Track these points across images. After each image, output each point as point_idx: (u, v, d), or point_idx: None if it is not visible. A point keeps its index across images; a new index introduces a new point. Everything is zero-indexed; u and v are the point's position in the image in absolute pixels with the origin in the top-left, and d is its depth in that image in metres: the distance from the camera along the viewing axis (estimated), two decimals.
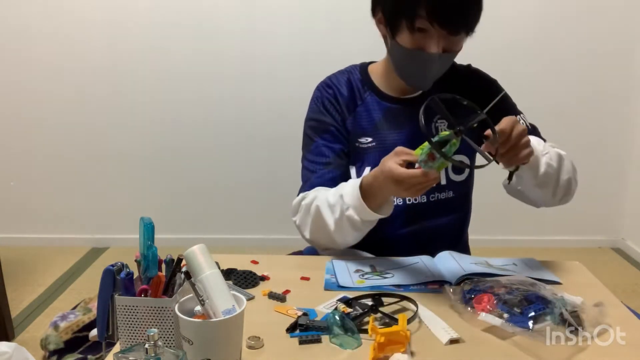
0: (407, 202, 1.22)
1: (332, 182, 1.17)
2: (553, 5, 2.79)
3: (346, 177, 1.20)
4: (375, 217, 1.08)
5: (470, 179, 1.29)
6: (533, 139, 1.08)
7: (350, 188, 1.09)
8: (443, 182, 1.23)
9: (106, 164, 3.00)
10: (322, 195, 1.13)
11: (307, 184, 1.20)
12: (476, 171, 1.14)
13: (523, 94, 2.66)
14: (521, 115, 1.25)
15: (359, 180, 1.08)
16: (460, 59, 1.25)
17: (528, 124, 1.23)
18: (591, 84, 2.88)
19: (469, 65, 1.29)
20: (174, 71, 2.87)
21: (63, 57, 2.86)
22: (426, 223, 1.24)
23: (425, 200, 1.22)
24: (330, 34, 2.73)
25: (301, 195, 1.19)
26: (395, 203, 1.21)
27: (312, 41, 2.79)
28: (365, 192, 1.07)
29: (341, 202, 1.09)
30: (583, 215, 2.99)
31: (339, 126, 1.23)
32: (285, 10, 2.79)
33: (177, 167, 3.00)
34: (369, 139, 1.21)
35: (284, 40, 2.82)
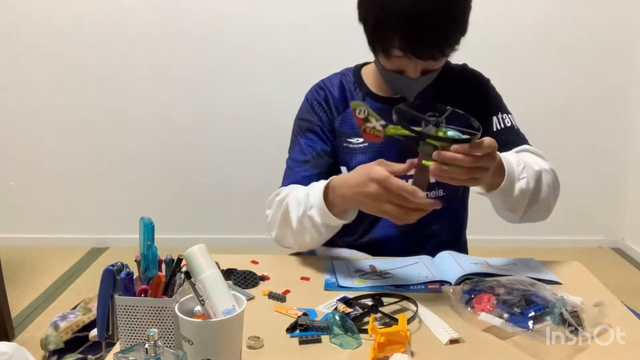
0: None
1: (306, 180, 1.15)
2: (553, 5, 2.79)
3: (322, 177, 1.16)
4: (336, 222, 1.04)
5: None
6: (512, 158, 1.04)
7: (317, 188, 1.06)
8: (432, 179, 1.22)
9: (106, 163, 3.00)
10: (294, 192, 1.12)
11: (285, 181, 1.20)
12: None
13: (522, 94, 2.71)
14: (509, 115, 1.21)
15: (327, 181, 1.06)
16: (459, 58, 1.24)
17: (515, 125, 1.20)
18: (591, 83, 2.87)
19: (464, 65, 1.27)
20: (174, 72, 2.87)
21: (63, 57, 2.86)
22: (418, 225, 1.19)
23: None
24: (331, 38, 2.73)
25: (277, 191, 1.18)
26: None
27: (312, 44, 2.79)
28: (333, 194, 1.03)
29: (306, 200, 1.07)
30: (583, 215, 3.00)
31: (325, 127, 1.23)
32: (287, 13, 2.79)
33: (177, 167, 3.00)
34: (360, 139, 1.20)
35: (284, 43, 2.82)
